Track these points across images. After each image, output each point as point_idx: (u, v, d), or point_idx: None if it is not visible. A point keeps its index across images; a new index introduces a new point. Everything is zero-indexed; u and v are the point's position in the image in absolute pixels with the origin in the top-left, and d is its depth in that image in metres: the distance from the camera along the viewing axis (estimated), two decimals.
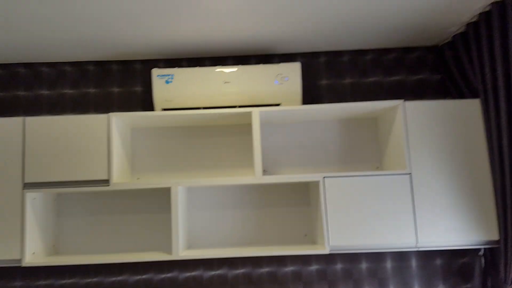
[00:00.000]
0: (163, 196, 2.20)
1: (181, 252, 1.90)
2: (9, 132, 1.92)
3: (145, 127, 2.24)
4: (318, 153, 2.24)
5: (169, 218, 2.18)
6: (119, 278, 2.13)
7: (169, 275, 2.14)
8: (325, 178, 1.92)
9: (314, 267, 2.16)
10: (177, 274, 2.14)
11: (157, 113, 1.97)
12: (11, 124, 1.93)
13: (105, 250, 2.15)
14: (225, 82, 2.05)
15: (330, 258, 2.18)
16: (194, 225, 2.17)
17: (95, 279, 2.13)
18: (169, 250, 2.05)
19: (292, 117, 2.15)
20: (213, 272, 2.15)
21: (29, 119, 1.93)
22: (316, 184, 2.01)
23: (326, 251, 1.88)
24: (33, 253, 1.92)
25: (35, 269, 2.14)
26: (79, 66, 2.31)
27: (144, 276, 2.14)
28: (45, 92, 2.29)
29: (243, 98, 2.08)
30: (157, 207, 2.19)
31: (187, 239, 2.14)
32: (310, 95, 2.30)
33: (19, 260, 1.85)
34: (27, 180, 1.89)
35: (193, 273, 2.15)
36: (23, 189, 1.89)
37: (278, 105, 2.11)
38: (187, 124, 2.20)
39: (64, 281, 2.13)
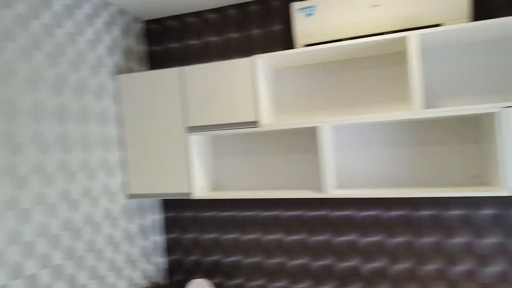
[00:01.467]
0: (309, 135, 2.17)
1: (333, 190, 1.87)
2: (168, 82, 2.12)
3: (287, 67, 2.19)
4: (491, 80, 1.85)
5: (315, 157, 2.16)
6: (273, 213, 2.26)
7: (319, 213, 2.17)
8: (504, 109, 1.59)
9: (486, 212, 1.89)
10: (327, 212, 2.16)
11: (299, 50, 1.88)
12: (169, 74, 2.12)
13: (259, 187, 2.28)
14: (374, 6, 1.81)
15: (507, 202, 1.86)
16: (343, 165, 2.10)
17: (251, 213, 2.31)
18: (318, 189, 2.06)
19: (457, 39, 1.80)
20: (365, 213, 2.09)
21: (186, 69, 2.08)
22: (490, 116, 1.68)
23: (504, 192, 1.60)
24: (200, 187, 2.16)
25: (201, 202, 2.43)
26: (221, 12, 2.36)
27: (295, 213, 2.22)
28: (193, 42, 2.43)
29: (394, 22, 1.82)
30: (303, 146, 2.19)
31: (337, 179, 2.10)
32: (480, 9, 1.87)
33: (188, 194, 2.10)
34: (189, 124, 2.09)
35: (344, 213, 2.13)
36: (186, 132, 2.10)
37: (438, 25, 1.78)
38: (331, 58, 2.06)
39: (225, 213, 2.37)
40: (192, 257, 2.46)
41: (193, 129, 2.09)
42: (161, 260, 2.49)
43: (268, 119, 2.05)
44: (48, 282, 1.68)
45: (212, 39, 2.39)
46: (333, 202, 2.15)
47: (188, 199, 2.40)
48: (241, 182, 2.32)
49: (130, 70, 2.35)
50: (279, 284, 2.25)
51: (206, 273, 2.42)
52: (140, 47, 2.49)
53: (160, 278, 2.47)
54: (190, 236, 2.47)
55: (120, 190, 2.18)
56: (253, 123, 1.96)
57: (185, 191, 2.11)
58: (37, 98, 1.70)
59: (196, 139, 2.16)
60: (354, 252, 2.11)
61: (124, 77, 2.20)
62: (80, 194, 1.89)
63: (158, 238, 2.49)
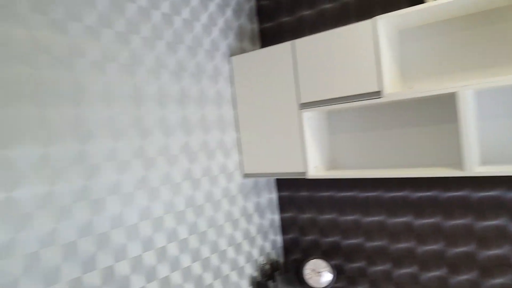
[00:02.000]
0: (442, 104, 1.87)
1: (476, 167, 1.58)
2: (280, 58, 2.03)
3: (414, 26, 1.90)
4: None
5: (450, 129, 1.86)
6: (399, 193, 2.04)
7: (458, 193, 1.88)
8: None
9: None
10: (468, 193, 1.85)
11: (428, 4, 1.60)
12: (281, 50, 2.02)
13: (380, 165, 2.08)
14: None
15: None
16: (488, 138, 1.76)
17: (373, 193, 2.12)
18: (456, 166, 1.76)
19: None
20: None
21: (297, 42, 1.96)
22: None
23: None
24: (315, 166, 2.05)
25: (317, 182, 2.33)
26: None
27: (427, 193, 1.96)
28: (306, 12, 2.29)
29: None
30: (435, 117, 1.90)
31: (481, 153, 1.77)
32: None
33: (304, 173, 2.01)
34: (302, 101, 1.98)
35: (490, 193, 1.80)
36: (299, 109, 2.00)
37: None
38: (468, 11, 1.72)
39: (343, 194, 2.23)
40: (309, 237, 2.40)
41: (306, 105, 1.97)
42: (277, 238, 2.49)
43: (393, 88, 1.82)
44: (175, 254, 1.78)
45: (327, 6, 2.21)
46: (475, 181, 1.83)
47: (303, 178, 2.33)
48: (360, 160, 2.14)
49: (243, 51, 2.33)
50: (406, 271, 2.04)
51: (324, 254, 2.33)
52: (252, 26, 2.44)
53: (277, 256, 2.47)
54: (306, 216, 2.39)
55: (237, 170, 2.21)
56: (376, 94, 1.76)
57: (299, 170, 2.02)
58: (160, 85, 1.78)
59: (310, 115, 2.04)
60: (503, 239, 1.78)
61: (237, 58, 2.18)
62: (201, 173, 1.96)
63: (275, 217, 2.48)
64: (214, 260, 1.98)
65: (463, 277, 1.88)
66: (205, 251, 1.93)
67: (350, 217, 2.21)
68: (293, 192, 2.43)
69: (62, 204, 1.36)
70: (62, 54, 1.40)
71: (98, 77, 1.51)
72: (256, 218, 2.31)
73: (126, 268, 1.56)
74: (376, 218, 2.12)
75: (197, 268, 1.87)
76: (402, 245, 2.05)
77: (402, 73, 1.96)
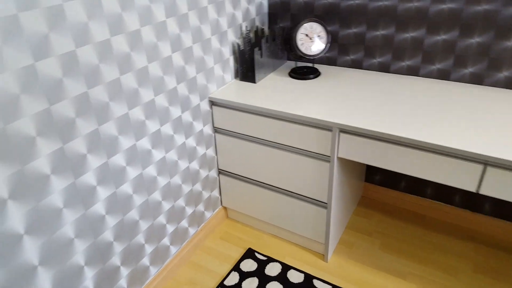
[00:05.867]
0: None
1: None
2: None
3: None
4: None
5: None
6: None
7: None
8: None
9: None
10: None
11: None
12: None
13: None
14: None
15: None
16: None
17: None
18: None
19: None
20: None
21: None
22: None
23: None
24: None
25: None
26: None
27: None
28: None
29: None
30: None
31: None
32: None
33: None
34: None
35: None
36: None
37: None
38: None
39: None
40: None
41: None
42: (263, 1, 2.09)
43: None
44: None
45: None
46: None
47: None
48: None
49: None
50: (411, 34, 1.83)
51: (318, 18, 2.03)
52: None
53: (261, 23, 2.14)
54: None
55: None
56: None
57: None
58: None
59: None
60: None
61: None
62: None
63: None
64: (193, 19, 1.61)
65: (476, 39, 1.69)
66: (184, 7, 1.54)
67: None
68: None
69: None
70: None
71: None
72: None
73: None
74: None
75: (174, 27, 1.52)
76: (413, 4, 1.75)
77: None
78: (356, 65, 2.03)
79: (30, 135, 1.08)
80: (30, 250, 1.17)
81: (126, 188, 1.49)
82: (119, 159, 1.42)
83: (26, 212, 1.12)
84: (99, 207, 1.38)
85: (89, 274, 1.41)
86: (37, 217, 1.16)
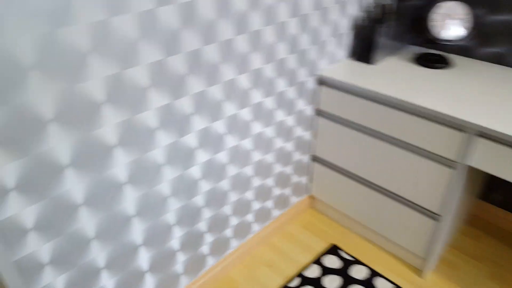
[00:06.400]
0: None
1: None
2: None
3: None
4: None
5: None
6: None
7: None
8: None
9: None
10: None
11: None
12: None
13: None
14: None
15: None
16: None
17: None
18: None
19: None
20: None
21: None
22: None
23: None
24: None
25: None
26: None
27: None
28: None
29: None
30: None
31: None
32: None
33: None
34: None
35: None
36: None
37: None
38: None
39: None
40: None
41: None
42: None
43: None
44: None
45: None
46: None
47: None
48: None
49: None
50: None
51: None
52: None
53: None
54: None
55: None
56: None
57: None
58: None
59: None
60: None
61: None
62: None
63: None
64: None
65: None
66: None
67: None
68: None
69: None
70: None
71: None
72: None
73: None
74: None
75: None
76: None
77: None
78: (500, 60, 1.69)
79: (152, 127, 1.12)
80: (136, 231, 1.23)
81: (222, 156, 1.42)
82: (220, 126, 1.35)
83: (139, 196, 1.18)
84: (195, 172, 1.35)
85: (181, 258, 1.47)
86: (146, 203, 1.21)
